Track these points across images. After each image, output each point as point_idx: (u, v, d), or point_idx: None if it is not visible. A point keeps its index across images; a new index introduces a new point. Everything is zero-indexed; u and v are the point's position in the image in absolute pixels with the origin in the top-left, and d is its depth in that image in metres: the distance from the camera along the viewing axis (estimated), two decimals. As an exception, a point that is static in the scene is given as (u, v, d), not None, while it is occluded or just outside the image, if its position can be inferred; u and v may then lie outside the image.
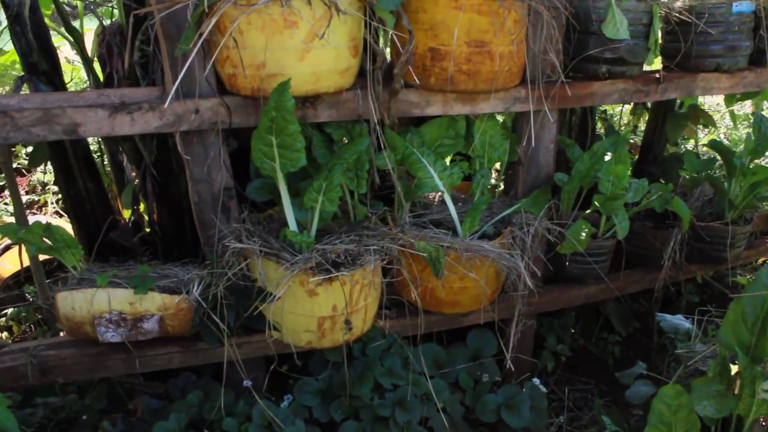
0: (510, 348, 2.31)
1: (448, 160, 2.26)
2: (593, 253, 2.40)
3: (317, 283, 1.91)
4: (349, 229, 2.09)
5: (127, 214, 2.60)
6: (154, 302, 2.03)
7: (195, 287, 2.01)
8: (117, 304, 2.03)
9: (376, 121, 1.98)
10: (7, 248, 3.36)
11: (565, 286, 2.49)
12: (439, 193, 2.25)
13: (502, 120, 2.28)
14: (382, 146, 2.01)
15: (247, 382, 2.25)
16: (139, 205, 2.53)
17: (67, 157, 2.29)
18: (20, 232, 2.03)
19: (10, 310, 3.01)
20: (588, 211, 2.36)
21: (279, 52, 1.77)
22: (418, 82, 1.98)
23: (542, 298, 2.37)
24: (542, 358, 2.61)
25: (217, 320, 1.98)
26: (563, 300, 2.48)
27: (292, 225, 1.98)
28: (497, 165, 2.40)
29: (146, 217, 2.47)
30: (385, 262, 2.08)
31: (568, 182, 2.24)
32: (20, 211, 2.59)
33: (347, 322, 1.98)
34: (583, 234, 2.21)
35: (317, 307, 1.99)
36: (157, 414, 2.20)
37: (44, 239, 2.05)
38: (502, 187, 2.51)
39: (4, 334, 2.97)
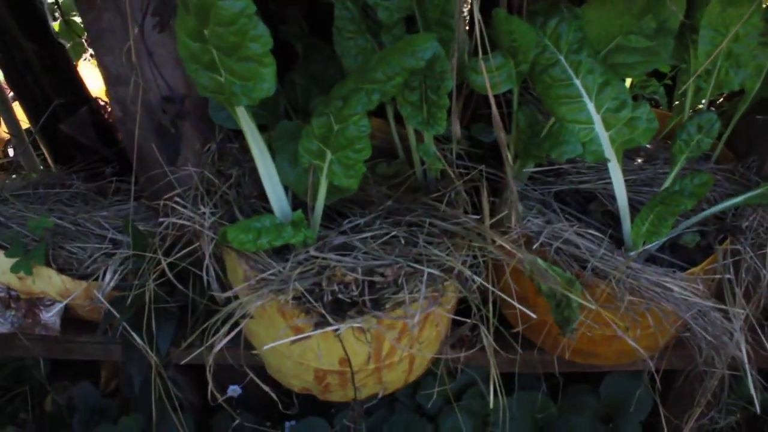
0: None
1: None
2: None
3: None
4: (401, 205, 1.02)
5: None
6: (52, 284, 1.13)
7: (108, 277, 1.08)
8: (1, 274, 1.16)
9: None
10: None
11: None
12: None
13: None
14: (484, 47, 0.87)
15: (233, 389, 1.37)
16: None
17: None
18: None
19: None
20: None
21: None
22: None
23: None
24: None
25: (139, 340, 1.07)
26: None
27: (275, 197, 0.95)
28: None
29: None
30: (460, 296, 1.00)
31: None
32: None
33: (357, 403, 1.00)
34: None
35: (312, 355, 1.00)
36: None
37: None
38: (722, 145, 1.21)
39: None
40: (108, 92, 1.01)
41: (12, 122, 1.67)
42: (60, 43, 1.44)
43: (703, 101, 1.09)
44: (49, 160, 1.56)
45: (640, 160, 1.17)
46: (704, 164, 1.12)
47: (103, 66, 0.98)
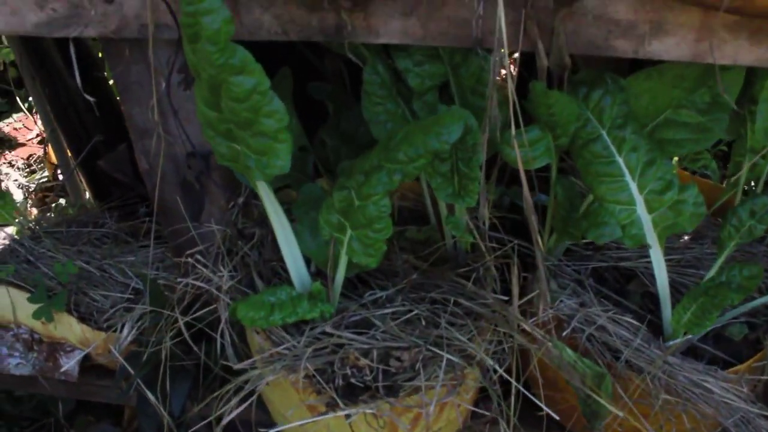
0: None
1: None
2: None
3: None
4: (427, 280, 0.96)
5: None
6: (73, 332, 1.11)
7: (125, 332, 1.05)
8: (26, 317, 1.14)
9: (503, 51, 0.77)
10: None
11: None
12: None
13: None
14: (515, 117, 0.80)
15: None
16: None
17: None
18: None
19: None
20: None
21: None
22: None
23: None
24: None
25: (153, 398, 1.03)
26: None
27: (294, 267, 0.89)
28: None
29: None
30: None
31: None
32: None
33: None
34: None
35: (326, 431, 0.95)
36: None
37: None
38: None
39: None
40: (135, 144, 0.98)
41: (61, 152, 1.68)
42: (105, 81, 1.44)
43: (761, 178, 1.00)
44: (89, 193, 1.56)
45: (686, 237, 1.08)
46: (757, 246, 1.02)
47: (130, 118, 0.96)
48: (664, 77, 0.86)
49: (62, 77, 1.37)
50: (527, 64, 0.84)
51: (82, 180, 1.54)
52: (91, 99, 0.94)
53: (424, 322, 0.85)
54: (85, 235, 1.28)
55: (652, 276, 0.97)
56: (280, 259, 0.97)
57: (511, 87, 0.75)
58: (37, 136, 2.55)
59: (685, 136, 0.88)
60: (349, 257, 0.81)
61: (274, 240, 0.98)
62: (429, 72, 0.84)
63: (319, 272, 0.93)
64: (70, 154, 1.54)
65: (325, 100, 1.00)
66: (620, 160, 0.85)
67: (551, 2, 0.75)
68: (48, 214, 1.81)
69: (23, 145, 2.58)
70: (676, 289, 0.98)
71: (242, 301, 0.80)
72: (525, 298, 0.89)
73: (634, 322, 0.90)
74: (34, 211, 2.11)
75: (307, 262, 0.91)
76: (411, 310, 0.87)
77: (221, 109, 0.68)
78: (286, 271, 0.94)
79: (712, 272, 0.91)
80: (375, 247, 0.77)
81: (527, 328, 0.84)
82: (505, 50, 0.75)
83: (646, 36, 0.77)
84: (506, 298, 0.88)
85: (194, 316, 0.96)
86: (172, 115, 0.91)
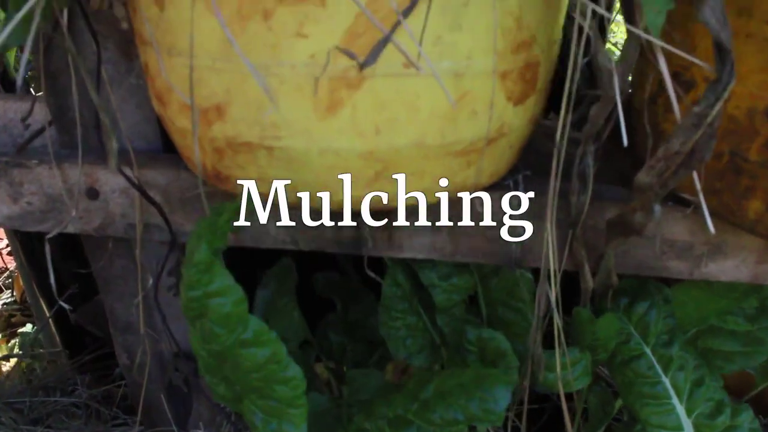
0: None
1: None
2: None
3: None
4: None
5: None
6: None
7: None
8: None
9: (552, 272, 0.67)
10: None
11: None
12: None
13: None
14: (558, 331, 0.70)
15: None
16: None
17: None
18: None
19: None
20: None
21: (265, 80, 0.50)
22: (704, 201, 0.62)
23: None
24: None
25: None
26: None
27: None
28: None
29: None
30: None
31: None
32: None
33: None
34: None
35: None
36: None
37: None
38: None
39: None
40: (114, 338, 0.85)
41: (34, 300, 1.53)
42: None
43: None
44: (59, 343, 1.40)
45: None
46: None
47: (111, 312, 0.83)
48: (713, 288, 0.76)
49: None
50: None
51: (54, 329, 1.39)
52: (67, 307, 0.80)
53: None
54: (52, 405, 1.12)
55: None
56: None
57: (557, 319, 0.65)
58: (7, 246, 2.38)
59: (734, 349, 0.78)
60: None
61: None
62: (456, 285, 0.73)
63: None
64: (41, 301, 1.38)
65: (331, 296, 0.88)
66: (666, 381, 0.74)
67: (600, 221, 0.65)
68: (13, 341, 1.65)
69: (-8, 255, 2.41)
70: None
71: None
72: None
73: None
74: (-2, 336, 1.93)
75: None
76: None
77: (224, 363, 0.55)
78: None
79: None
80: None
81: None
82: (552, 273, 0.65)
83: (704, 258, 0.68)
84: None
85: None
86: (158, 314, 0.78)
